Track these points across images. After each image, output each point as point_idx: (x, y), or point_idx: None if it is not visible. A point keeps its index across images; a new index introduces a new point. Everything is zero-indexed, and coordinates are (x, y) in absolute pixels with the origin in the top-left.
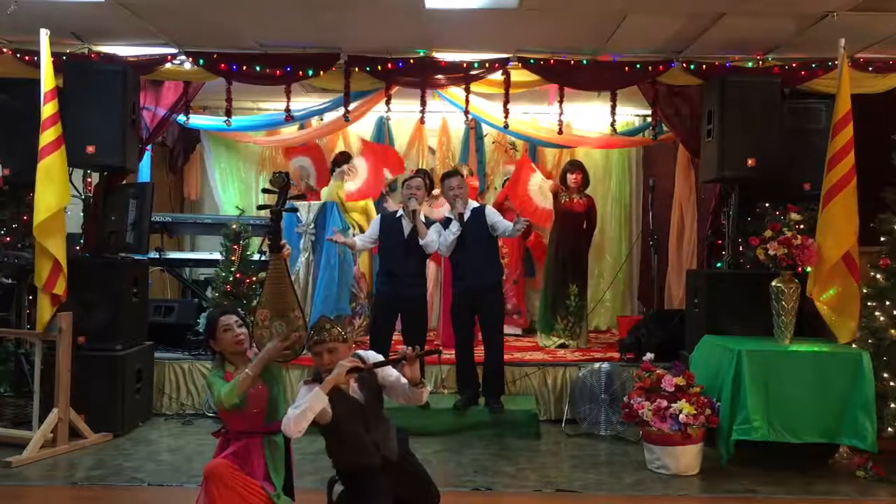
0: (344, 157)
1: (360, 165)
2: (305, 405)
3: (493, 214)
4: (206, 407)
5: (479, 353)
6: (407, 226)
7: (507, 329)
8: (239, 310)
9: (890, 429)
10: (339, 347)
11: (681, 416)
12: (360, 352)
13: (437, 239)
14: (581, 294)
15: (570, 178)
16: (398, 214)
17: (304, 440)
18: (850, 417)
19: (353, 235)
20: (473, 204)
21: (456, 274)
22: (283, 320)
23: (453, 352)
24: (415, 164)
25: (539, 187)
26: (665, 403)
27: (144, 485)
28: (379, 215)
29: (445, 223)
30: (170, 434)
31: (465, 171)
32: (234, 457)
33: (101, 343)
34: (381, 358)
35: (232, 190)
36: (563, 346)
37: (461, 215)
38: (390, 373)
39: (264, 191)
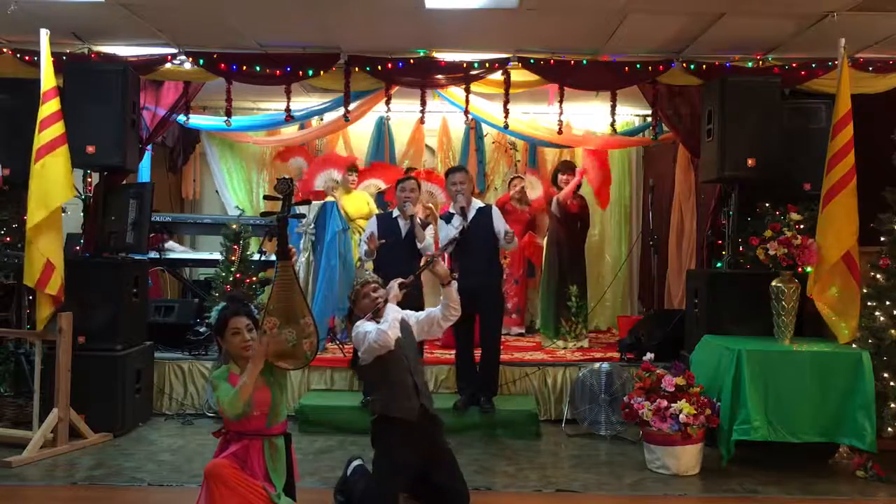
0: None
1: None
2: (387, 325)
3: (498, 217)
4: (206, 407)
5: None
6: (404, 226)
7: (509, 328)
8: (253, 308)
9: (890, 429)
10: (378, 286)
11: (681, 416)
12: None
13: (432, 241)
14: (581, 294)
15: (562, 178)
16: (395, 215)
17: (305, 440)
18: (849, 417)
19: (360, 242)
20: (479, 204)
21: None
22: (292, 327)
23: (453, 352)
24: (415, 165)
25: None
26: (665, 403)
27: (144, 485)
28: (374, 216)
29: (448, 218)
30: (170, 434)
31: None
32: (233, 457)
33: (101, 343)
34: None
35: (237, 190)
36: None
37: (463, 210)
38: (416, 315)
39: (266, 198)
